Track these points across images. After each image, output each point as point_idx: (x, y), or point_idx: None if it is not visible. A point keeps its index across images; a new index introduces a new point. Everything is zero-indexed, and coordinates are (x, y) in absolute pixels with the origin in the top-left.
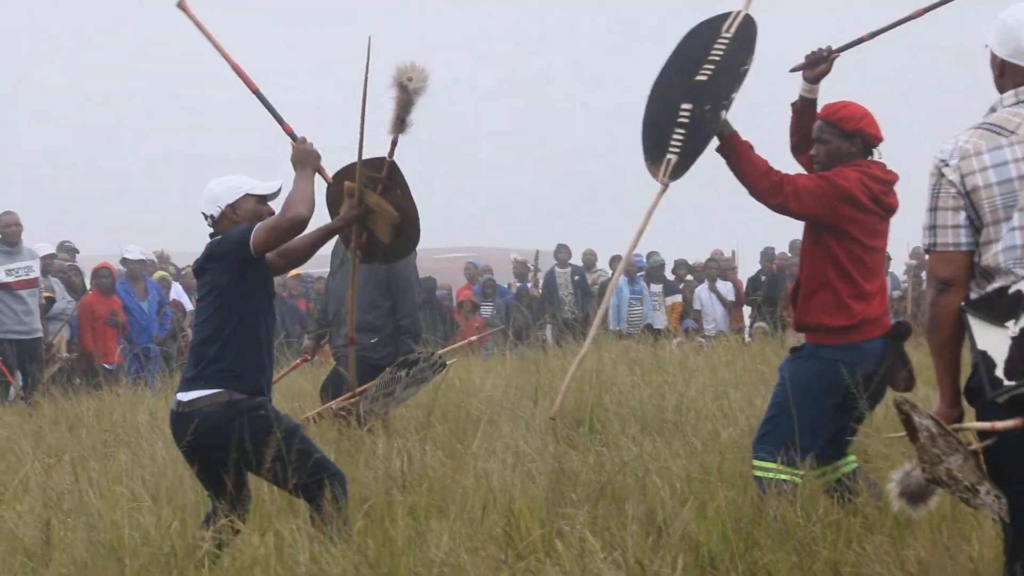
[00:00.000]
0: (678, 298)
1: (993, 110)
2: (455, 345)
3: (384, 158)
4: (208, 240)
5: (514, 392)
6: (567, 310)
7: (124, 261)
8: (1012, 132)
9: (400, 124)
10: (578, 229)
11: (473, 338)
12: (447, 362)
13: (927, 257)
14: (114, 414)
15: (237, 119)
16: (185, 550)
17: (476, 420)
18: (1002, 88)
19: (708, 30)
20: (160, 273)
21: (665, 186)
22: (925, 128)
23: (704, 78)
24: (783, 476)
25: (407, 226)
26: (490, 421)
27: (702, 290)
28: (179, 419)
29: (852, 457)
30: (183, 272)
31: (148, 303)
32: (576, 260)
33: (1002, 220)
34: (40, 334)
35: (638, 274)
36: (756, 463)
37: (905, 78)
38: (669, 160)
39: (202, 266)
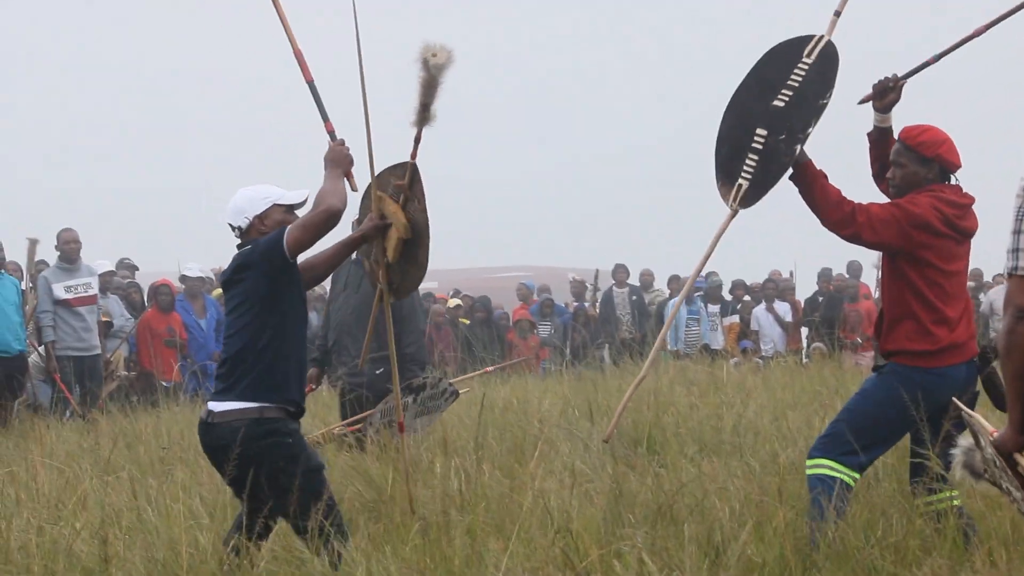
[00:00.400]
0: (735, 318)
1: None
2: (468, 376)
3: (407, 162)
4: (236, 251)
5: (572, 412)
6: (624, 330)
7: (183, 278)
8: None
9: (424, 113)
10: (636, 249)
11: (489, 369)
12: (459, 391)
13: (1007, 282)
14: (172, 431)
15: (290, 134)
16: (239, 564)
17: (534, 439)
18: None
19: (790, 51)
20: (219, 291)
21: (735, 212)
22: (999, 149)
23: (781, 104)
24: (839, 475)
25: (415, 245)
26: (547, 441)
27: (760, 311)
28: (207, 429)
29: (955, 492)
30: None
31: (206, 320)
32: (634, 280)
33: None
34: (99, 351)
35: (696, 294)
36: (811, 462)
37: (973, 96)
38: (741, 186)
39: (231, 277)
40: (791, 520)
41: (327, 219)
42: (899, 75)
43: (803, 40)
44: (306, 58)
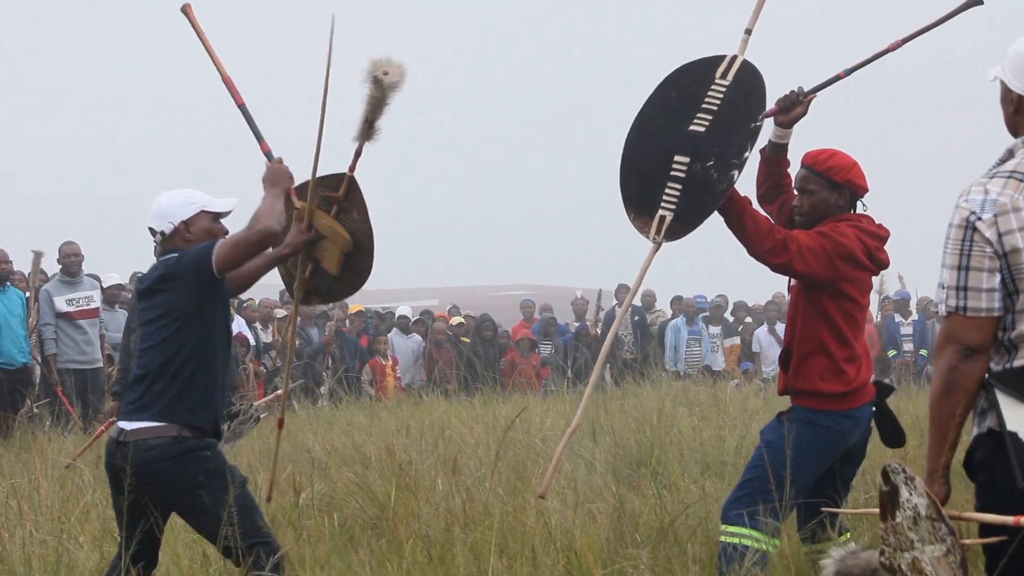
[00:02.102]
0: (737, 340)
1: (1012, 152)
2: (265, 399)
3: (344, 174)
4: (158, 258)
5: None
6: (626, 350)
7: None
8: None
9: (368, 129)
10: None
11: (278, 392)
12: (260, 415)
13: (946, 318)
14: None
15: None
16: None
17: (536, 457)
18: (1015, 126)
19: (697, 73)
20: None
21: (658, 245)
22: (901, 171)
23: (700, 129)
24: (754, 544)
25: (357, 256)
26: (549, 459)
27: (761, 332)
28: (118, 448)
29: (848, 535)
30: (245, 305)
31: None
32: (636, 300)
33: None
34: (100, 364)
35: (698, 315)
36: (725, 527)
37: (881, 118)
38: (663, 217)
39: (153, 286)
40: (796, 542)
41: (261, 240)
42: (806, 89)
43: (712, 61)
44: (236, 83)
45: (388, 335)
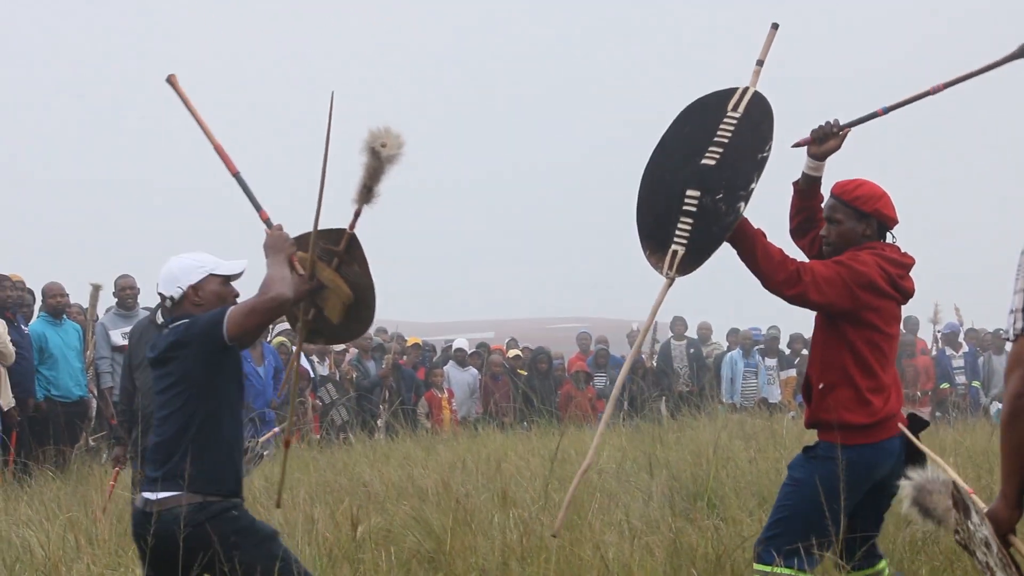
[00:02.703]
0: (793, 372)
1: None
2: (266, 436)
3: (344, 230)
4: (168, 325)
5: (630, 464)
6: (681, 383)
7: None
8: None
9: (367, 193)
10: (695, 302)
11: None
12: (264, 452)
13: (1014, 342)
14: None
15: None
16: None
17: (592, 489)
18: None
19: (711, 107)
20: (279, 339)
21: (671, 280)
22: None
23: (711, 162)
24: None
25: (361, 308)
26: (606, 492)
27: None
28: (145, 519)
29: (885, 562)
30: None
31: (264, 368)
32: (692, 332)
33: None
34: None
35: (753, 347)
36: (758, 567)
37: (910, 155)
38: (676, 252)
39: (164, 354)
40: None
41: (276, 306)
42: (842, 122)
43: (725, 94)
44: (227, 151)
45: (444, 367)
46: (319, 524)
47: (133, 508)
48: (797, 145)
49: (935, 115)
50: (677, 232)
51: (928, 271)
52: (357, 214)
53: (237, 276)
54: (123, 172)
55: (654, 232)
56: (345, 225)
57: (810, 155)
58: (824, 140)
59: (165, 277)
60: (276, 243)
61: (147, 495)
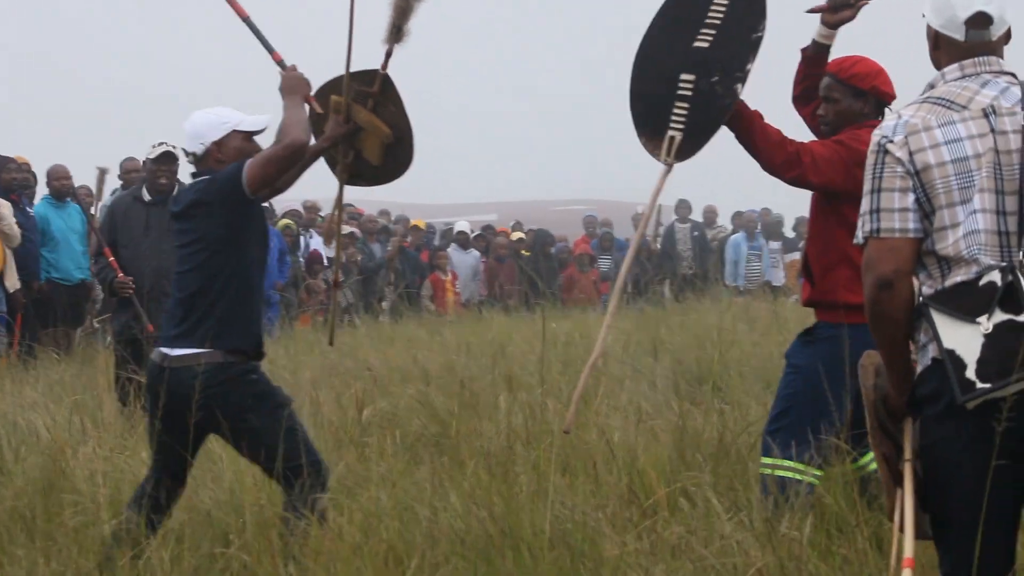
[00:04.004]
0: (797, 255)
1: (932, 86)
2: None
3: (376, 71)
4: (191, 180)
5: (635, 347)
6: (686, 266)
7: None
8: (964, 107)
9: (396, 32)
10: (700, 184)
11: None
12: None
13: (863, 247)
14: None
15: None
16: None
17: (597, 375)
18: (936, 62)
19: None
20: (284, 221)
21: (669, 167)
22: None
23: (705, 44)
24: (795, 475)
25: (400, 146)
26: (610, 377)
27: None
28: (162, 374)
29: (870, 455)
30: (322, 220)
31: (270, 250)
32: (697, 216)
33: (958, 203)
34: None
35: (758, 230)
36: (767, 461)
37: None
38: (673, 138)
39: (186, 210)
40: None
41: (291, 153)
42: None
43: None
44: None
45: (447, 250)
46: (324, 408)
47: (150, 362)
48: (812, 11)
49: None
50: (673, 117)
51: None
52: (389, 54)
53: (260, 132)
54: (126, 45)
55: (649, 118)
56: (377, 66)
57: (823, 22)
58: (839, 9)
59: (189, 132)
60: (291, 84)
61: (165, 350)
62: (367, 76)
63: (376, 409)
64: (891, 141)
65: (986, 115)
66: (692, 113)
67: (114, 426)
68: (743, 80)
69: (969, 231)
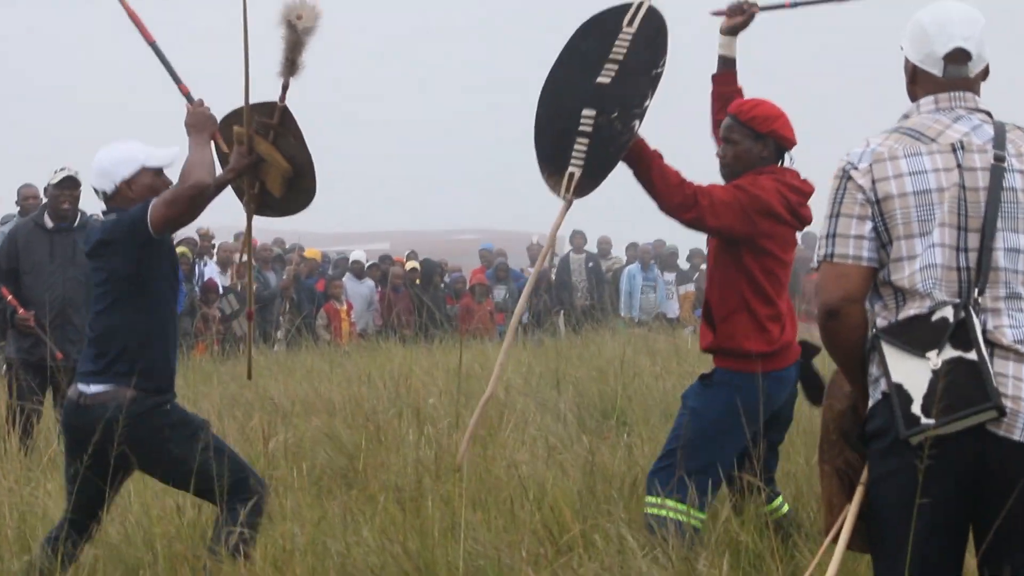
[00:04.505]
0: (691, 287)
1: (907, 116)
2: None
3: (275, 103)
4: (101, 217)
5: (537, 380)
6: (580, 297)
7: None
8: (933, 140)
9: (291, 66)
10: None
11: None
12: None
13: (817, 270)
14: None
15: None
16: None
17: (500, 407)
18: (913, 95)
19: (606, 23)
20: (180, 249)
21: (569, 203)
22: (835, 130)
23: (607, 80)
24: (683, 518)
25: (300, 179)
26: (513, 409)
27: None
28: (79, 411)
29: (780, 499)
30: (215, 247)
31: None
32: (591, 247)
33: (916, 235)
34: None
35: (652, 262)
36: (652, 499)
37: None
38: (572, 174)
39: (94, 250)
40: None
41: (194, 195)
42: (758, 3)
43: (620, 9)
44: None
45: (342, 280)
46: (229, 439)
47: (67, 399)
48: (715, 13)
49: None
50: (574, 153)
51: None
52: (285, 87)
53: (169, 165)
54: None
55: (551, 154)
56: (275, 99)
57: (721, 31)
58: (734, 14)
59: (97, 171)
60: (197, 121)
61: (81, 387)
62: (267, 108)
63: (280, 441)
64: (855, 168)
65: (954, 150)
66: (592, 149)
67: (16, 456)
68: (641, 116)
69: (925, 264)
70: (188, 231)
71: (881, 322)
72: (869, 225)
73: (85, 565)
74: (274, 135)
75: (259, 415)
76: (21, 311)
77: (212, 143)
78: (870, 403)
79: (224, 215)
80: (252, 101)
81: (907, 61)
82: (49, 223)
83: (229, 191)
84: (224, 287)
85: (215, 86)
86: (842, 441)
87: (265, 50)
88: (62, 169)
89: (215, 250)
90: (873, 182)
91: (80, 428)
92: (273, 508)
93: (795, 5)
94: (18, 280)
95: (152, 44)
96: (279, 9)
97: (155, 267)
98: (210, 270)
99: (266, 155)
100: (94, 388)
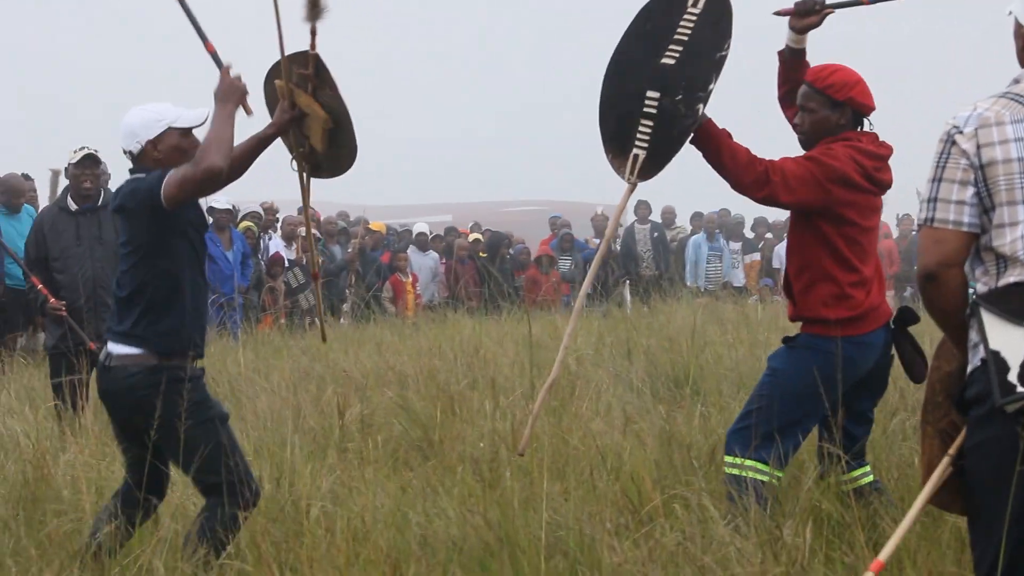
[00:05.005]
0: (756, 256)
1: (1017, 81)
2: None
3: (307, 51)
4: (127, 177)
5: (608, 351)
6: (645, 267)
7: (210, 210)
8: None
9: (314, 8)
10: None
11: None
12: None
13: (919, 233)
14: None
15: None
16: (294, 505)
17: (572, 377)
18: (1023, 60)
19: (671, 3)
20: (245, 224)
21: (633, 185)
22: (920, 103)
23: (671, 61)
24: (760, 476)
25: (340, 132)
26: (586, 379)
27: (782, 248)
28: (106, 373)
29: (868, 466)
30: (280, 222)
31: (232, 253)
32: (656, 216)
33: (1019, 202)
34: None
35: (718, 231)
36: (730, 459)
37: (903, 50)
38: (636, 156)
39: (115, 212)
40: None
41: (205, 179)
42: (827, 1)
43: None
44: None
45: (406, 252)
46: (303, 412)
47: (98, 361)
48: (779, 13)
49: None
50: (638, 135)
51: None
52: (313, 32)
53: (200, 126)
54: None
55: (616, 135)
56: (306, 47)
57: (790, 27)
58: (805, 15)
59: (125, 131)
60: (227, 89)
61: (109, 346)
62: (301, 58)
63: (355, 414)
64: (960, 132)
65: None
66: (656, 132)
67: (92, 430)
68: (705, 100)
69: None
70: (252, 205)
71: (981, 288)
72: (971, 190)
73: (166, 540)
74: (312, 88)
75: (332, 388)
76: (52, 300)
77: (240, 108)
78: (969, 368)
79: (287, 189)
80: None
81: (1019, 26)
82: (73, 206)
83: (278, 156)
84: (289, 260)
85: (244, 36)
86: (948, 403)
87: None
88: (81, 148)
89: (279, 224)
90: (978, 147)
91: (108, 392)
92: (352, 480)
93: (874, 1)
94: (48, 267)
95: (181, 1)
96: None
97: (173, 234)
98: (275, 244)
99: (306, 107)
100: (119, 349)
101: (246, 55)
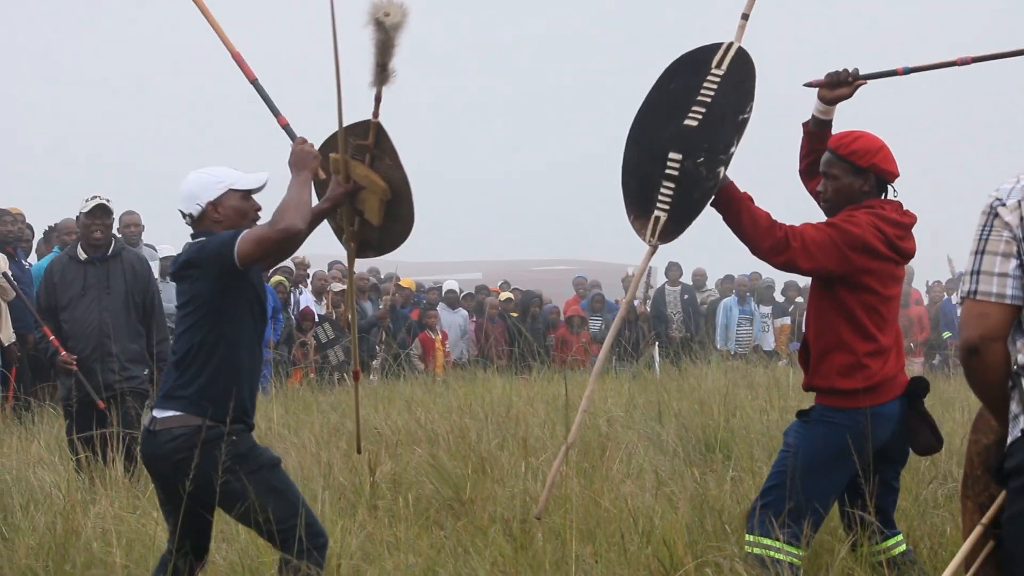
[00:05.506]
0: (787, 320)
1: None
2: None
3: (368, 120)
4: (188, 240)
5: (639, 413)
6: (675, 329)
7: None
8: None
9: (382, 72)
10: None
11: None
12: None
13: (961, 305)
14: None
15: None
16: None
17: (603, 440)
18: None
19: (695, 64)
20: (277, 278)
21: (654, 248)
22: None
23: (694, 123)
24: (781, 556)
25: (398, 203)
26: (616, 441)
27: None
28: (149, 437)
29: (900, 536)
30: (310, 277)
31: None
32: (687, 279)
33: None
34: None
35: (748, 295)
36: (750, 538)
37: (927, 120)
38: (658, 218)
39: (178, 272)
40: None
41: (283, 239)
42: (860, 73)
43: (709, 49)
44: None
45: (436, 309)
46: (334, 469)
47: (143, 428)
48: (809, 85)
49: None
50: (660, 197)
51: (931, 221)
52: (378, 99)
53: (258, 190)
54: (132, 78)
55: (638, 197)
56: (368, 115)
57: (820, 98)
58: (836, 86)
59: (184, 194)
60: (300, 159)
61: (155, 411)
62: (360, 128)
63: (385, 471)
64: (1003, 204)
65: None
66: (677, 194)
67: (122, 483)
68: (727, 163)
69: None
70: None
71: (1022, 359)
72: (1014, 263)
73: None
74: (371, 158)
75: (363, 445)
76: (63, 354)
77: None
78: (1009, 439)
79: (318, 245)
80: (346, 123)
81: None
82: (82, 255)
83: (325, 227)
84: (319, 315)
85: (312, 115)
86: (987, 476)
87: (357, 74)
88: (93, 197)
89: (310, 278)
90: (1021, 219)
91: (152, 457)
92: (382, 537)
93: (908, 72)
94: (57, 316)
95: (254, 82)
96: (366, 9)
97: (238, 295)
98: (306, 298)
99: (363, 180)
100: (165, 413)
101: (314, 127)
